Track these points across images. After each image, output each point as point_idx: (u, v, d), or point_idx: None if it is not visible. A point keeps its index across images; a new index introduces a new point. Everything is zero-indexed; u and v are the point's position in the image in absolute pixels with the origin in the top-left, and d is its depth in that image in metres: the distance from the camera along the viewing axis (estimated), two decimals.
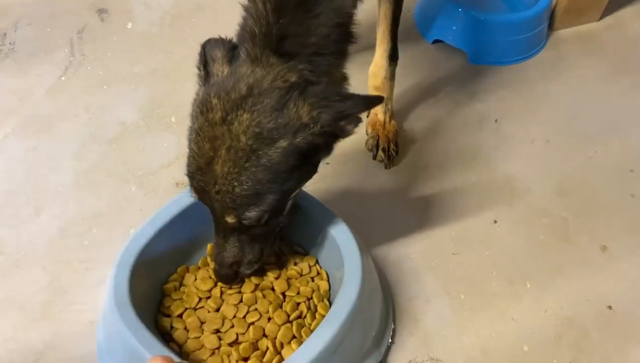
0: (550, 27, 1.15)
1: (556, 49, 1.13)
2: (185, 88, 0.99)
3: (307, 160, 0.59)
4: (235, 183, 0.56)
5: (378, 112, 0.91)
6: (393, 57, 0.87)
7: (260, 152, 0.55)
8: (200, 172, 0.58)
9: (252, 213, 0.58)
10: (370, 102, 0.59)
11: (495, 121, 0.99)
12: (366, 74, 0.90)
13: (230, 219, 0.60)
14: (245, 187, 0.56)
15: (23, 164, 0.92)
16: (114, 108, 1.00)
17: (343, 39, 0.62)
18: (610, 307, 0.78)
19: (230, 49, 0.60)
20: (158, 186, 0.89)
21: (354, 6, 0.64)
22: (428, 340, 0.74)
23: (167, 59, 1.08)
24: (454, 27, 1.08)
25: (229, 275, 0.66)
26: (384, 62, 0.86)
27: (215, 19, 1.16)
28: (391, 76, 0.89)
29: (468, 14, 1.05)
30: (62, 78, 1.04)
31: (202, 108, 0.58)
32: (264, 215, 0.60)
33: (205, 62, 0.61)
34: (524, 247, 0.83)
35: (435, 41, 1.11)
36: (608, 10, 1.18)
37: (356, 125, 0.58)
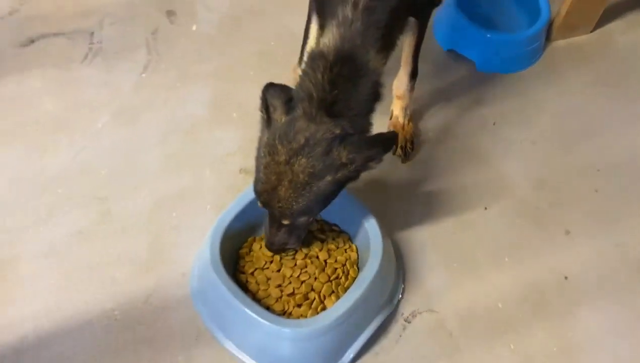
0: (548, 38, 1.36)
1: (551, 59, 1.35)
2: (242, 88, 1.26)
3: (341, 188, 0.83)
4: (294, 203, 0.81)
5: (399, 115, 1.15)
6: (413, 76, 1.09)
7: (313, 185, 0.80)
8: (266, 193, 0.82)
9: (302, 219, 0.85)
10: (389, 146, 0.82)
11: (494, 124, 1.23)
12: (391, 87, 1.14)
13: (285, 222, 0.85)
14: (301, 206, 0.81)
15: (120, 148, 1.17)
16: (186, 103, 1.24)
17: (374, 101, 0.84)
18: (566, 277, 1.04)
19: (287, 101, 0.81)
20: (225, 171, 1.14)
21: (382, 74, 0.85)
22: (427, 297, 1.01)
23: (226, 59, 1.32)
24: (465, 40, 1.29)
25: (278, 250, 0.93)
26: (406, 78, 1.09)
27: (265, 20, 1.38)
28: (411, 88, 1.12)
29: (478, 31, 1.26)
30: (143, 75, 1.28)
31: (269, 150, 0.81)
32: (309, 219, 0.86)
33: (267, 107, 0.82)
34: (505, 229, 1.09)
35: (449, 49, 1.33)
36: (599, 24, 1.38)
37: (378, 164, 0.81)
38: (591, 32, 1.38)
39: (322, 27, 0.86)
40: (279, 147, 0.80)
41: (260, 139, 0.84)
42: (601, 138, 1.22)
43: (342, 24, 0.80)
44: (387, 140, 0.82)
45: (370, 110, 0.84)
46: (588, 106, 1.26)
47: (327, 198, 0.83)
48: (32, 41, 1.33)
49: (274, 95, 0.82)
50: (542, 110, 1.25)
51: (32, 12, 1.38)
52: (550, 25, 1.34)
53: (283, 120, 0.81)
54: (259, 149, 0.84)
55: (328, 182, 0.80)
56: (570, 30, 1.35)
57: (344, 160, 0.79)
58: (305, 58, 0.84)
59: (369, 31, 0.80)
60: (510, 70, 1.31)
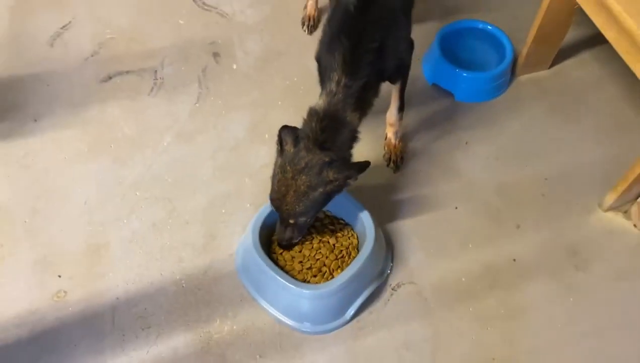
0: (514, 73, 1.70)
1: (516, 90, 1.68)
2: (272, 115, 1.62)
3: (329, 197, 1.17)
4: (297, 207, 1.15)
5: (391, 138, 1.50)
6: (401, 109, 1.44)
7: (309, 194, 1.13)
8: (278, 200, 1.16)
9: (302, 219, 1.19)
10: (362, 170, 1.15)
11: (466, 143, 1.57)
12: (382, 116, 1.49)
13: (291, 221, 1.19)
14: (302, 209, 1.15)
15: (181, 161, 1.54)
16: (230, 126, 1.61)
17: (352, 141, 1.19)
18: (514, 260, 1.38)
19: (295, 138, 1.15)
20: (260, 178, 1.50)
21: (360, 122, 1.20)
22: (409, 273, 1.36)
23: (260, 91, 1.68)
24: (446, 77, 1.63)
25: (287, 245, 1.27)
26: (395, 111, 1.44)
27: (289, 61, 1.73)
28: (399, 118, 1.46)
29: (455, 70, 1.60)
30: (197, 105, 1.65)
31: (281, 170, 1.14)
32: (307, 220, 1.21)
33: (281, 142, 1.16)
34: (470, 223, 1.43)
35: (434, 83, 1.68)
36: (555, 62, 1.72)
37: (354, 181, 1.15)
38: (549, 68, 1.71)
39: (321, 87, 1.21)
40: (288, 168, 1.14)
41: (275, 163, 1.19)
42: (551, 154, 1.55)
43: (329, 94, 1.16)
44: (361, 166, 1.15)
45: (349, 147, 1.19)
46: (543, 129, 1.59)
47: (319, 205, 1.18)
48: (110, 77, 1.72)
49: (287, 134, 1.16)
50: (505, 132, 1.59)
51: (109, 55, 1.76)
52: (514, 63, 1.68)
53: (292, 150, 1.15)
54: (274, 169, 1.19)
55: (320, 192, 1.15)
56: (531, 67, 1.68)
57: (331, 177, 1.13)
58: (306, 112, 1.19)
59: (346, 100, 1.15)
60: (482, 100, 1.64)
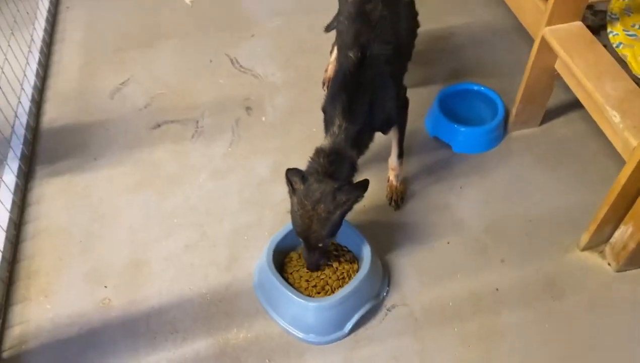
0: (506, 129, 1.93)
1: (508, 144, 1.90)
2: (293, 158, 1.88)
3: (344, 216, 1.38)
4: (322, 232, 1.35)
5: (393, 180, 1.73)
6: (400, 156, 1.68)
7: (330, 218, 1.34)
8: (305, 231, 1.36)
9: (327, 240, 1.40)
10: (365, 188, 1.35)
11: (460, 187, 1.79)
12: (386, 162, 1.73)
13: (320, 245, 1.40)
14: (326, 232, 1.35)
15: (213, 195, 1.81)
16: (256, 168, 1.88)
17: (353, 171, 1.43)
18: (497, 289, 1.56)
19: (302, 177, 1.35)
20: (279, 211, 1.75)
21: (358, 158, 1.45)
22: (403, 296, 1.55)
23: (283, 140, 1.95)
24: (445, 130, 1.88)
25: (316, 268, 1.48)
26: (395, 157, 1.68)
27: (309, 115, 2.01)
28: (400, 163, 1.70)
29: (453, 125, 1.85)
30: (229, 149, 1.94)
31: (300, 205, 1.35)
32: (330, 240, 1.42)
33: (290, 182, 1.38)
34: (460, 256, 1.62)
35: (434, 136, 1.92)
36: (545, 120, 1.94)
37: (360, 201, 1.37)
38: (539, 126, 1.94)
39: (326, 133, 1.46)
40: (305, 202, 1.34)
41: (291, 202, 1.39)
42: (535, 199, 1.74)
43: (332, 135, 1.41)
44: (364, 185, 1.36)
45: (351, 175, 1.43)
46: (529, 177, 1.80)
47: (338, 225, 1.39)
48: (159, 125, 2.04)
49: (293, 174, 1.38)
50: (495, 179, 1.80)
51: (159, 106, 2.09)
52: (506, 120, 1.91)
53: (302, 187, 1.36)
54: (292, 208, 1.38)
55: (337, 214, 1.36)
56: (521, 124, 1.91)
57: (344, 199, 1.35)
58: (313, 152, 1.43)
59: (346, 140, 1.40)
60: (476, 151, 1.86)
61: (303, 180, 1.36)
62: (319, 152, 1.42)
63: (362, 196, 1.37)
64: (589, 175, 1.79)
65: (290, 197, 1.40)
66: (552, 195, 1.76)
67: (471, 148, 1.86)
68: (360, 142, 1.44)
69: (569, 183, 1.78)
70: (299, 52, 2.25)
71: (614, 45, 1.61)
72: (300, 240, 1.42)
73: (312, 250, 1.43)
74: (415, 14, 1.64)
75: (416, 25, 1.66)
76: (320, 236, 1.37)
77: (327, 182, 1.35)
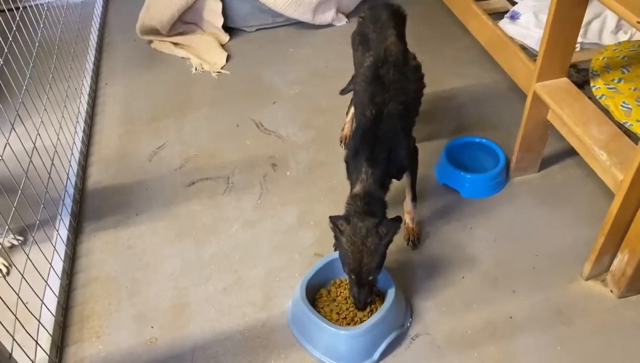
0: (508, 176, 2.13)
1: (510, 189, 2.10)
2: (316, 208, 2.07)
3: (387, 247, 1.55)
4: (372, 263, 1.50)
5: (409, 222, 1.91)
6: (414, 199, 1.87)
7: (378, 250, 1.50)
8: (357, 266, 1.51)
9: (376, 272, 1.55)
10: (400, 222, 1.54)
11: (470, 228, 1.97)
12: (400, 207, 1.93)
13: (370, 277, 1.54)
14: (376, 263, 1.51)
15: (245, 243, 1.98)
16: (284, 217, 2.07)
17: (385, 208, 1.62)
18: (511, 317, 1.70)
19: (345, 219, 1.50)
20: (307, 255, 1.92)
21: (385, 197, 1.65)
22: (425, 326, 1.69)
23: (307, 191, 2.15)
24: (453, 178, 2.08)
25: (364, 306, 1.56)
26: (409, 201, 1.88)
27: (330, 168, 2.23)
28: (414, 206, 1.89)
29: (460, 174, 2.05)
30: (259, 201, 2.14)
31: (351, 243, 1.50)
32: (378, 272, 1.58)
33: (336, 226, 1.55)
34: (474, 288, 1.78)
35: (444, 183, 2.12)
36: (543, 166, 2.15)
37: (399, 232, 1.54)
38: (538, 172, 2.14)
39: (353, 184, 1.66)
40: (355, 238, 1.47)
41: (339, 243, 1.51)
42: (539, 236, 1.92)
43: (362, 181, 1.61)
44: (399, 219, 1.54)
45: (384, 212, 1.62)
46: (532, 217, 1.98)
47: (384, 257, 1.51)
48: (193, 183, 2.25)
49: (337, 219, 1.55)
50: (502, 220, 1.99)
51: (193, 166, 2.31)
52: (508, 167, 2.12)
53: (348, 228, 1.53)
54: (341, 247, 1.52)
55: (383, 246, 1.52)
56: (522, 171, 2.11)
57: (385, 232, 1.51)
58: (348, 198, 1.63)
59: (375, 183, 1.60)
60: (482, 196, 2.06)
61: (347, 221, 1.54)
62: (354, 196, 1.62)
63: (400, 227, 1.54)
64: (586, 213, 1.97)
65: (338, 239, 1.56)
66: (554, 232, 1.93)
67: (477, 193, 2.06)
68: (384, 183, 1.64)
69: (569, 221, 1.96)
70: (317, 114, 2.50)
71: (597, 97, 1.84)
72: (350, 276, 1.56)
73: (362, 286, 1.54)
74: (422, 76, 1.89)
75: (422, 86, 1.90)
76: (371, 268, 1.50)
77: (368, 219, 1.53)
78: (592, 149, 1.62)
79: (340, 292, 1.73)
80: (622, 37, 2.24)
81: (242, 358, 1.66)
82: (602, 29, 2.25)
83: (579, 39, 2.21)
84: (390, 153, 1.64)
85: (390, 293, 1.63)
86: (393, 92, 1.68)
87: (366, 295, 1.58)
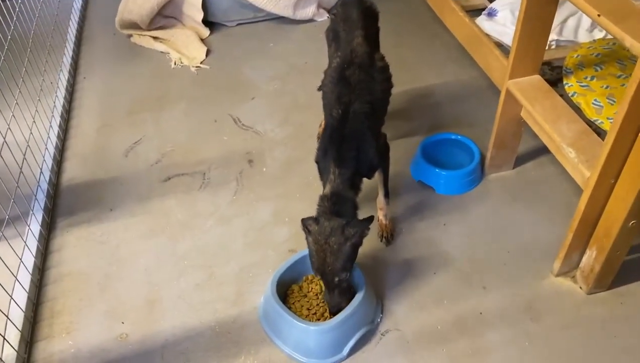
0: (483, 173, 2.14)
1: (485, 185, 2.11)
2: (291, 204, 2.07)
3: (355, 250, 1.54)
4: (337, 264, 1.50)
5: (382, 219, 1.91)
6: (386, 196, 1.87)
7: (342, 250, 1.50)
8: (321, 266, 1.51)
9: (343, 275, 1.53)
10: (371, 221, 1.54)
11: (444, 224, 1.98)
12: (374, 203, 1.93)
13: (336, 279, 1.53)
14: (340, 264, 1.50)
15: (220, 239, 1.97)
16: (259, 213, 2.06)
17: (355, 209, 1.62)
18: (481, 313, 1.72)
19: (315, 220, 1.51)
20: (280, 251, 1.92)
21: (356, 197, 1.65)
22: (395, 322, 1.70)
23: (282, 188, 2.15)
24: (428, 175, 2.09)
25: (337, 310, 1.55)
26: (382, 198, 1.88)
27: (306, 165, 2.22)
28: (387, 203, 1.90)
29: (435, 170, 2.06)
30: (234, 197, 2.14)
31: (315, 242, 1.50)
32: (347, 275, 1.56)
33: (306, 227, 1.54)
34: (445, 285, 1.79)
35: (419, 180, 2.13)
36: (518, 163, 2.16)
37: (368, 232, 1.54)
38: (513, 169, 2.15)
39: (324, 185, 1.66)
40: (319, 238, 1.48)
41: (307, 243, 1.52)
42: (512, 233, 1.93)
43: (330, 181, 1.61)
44: (368, 220, 1.53)
45: (355, 213, 1.62)
46: (506, 214, 1.99)
47: (351, 258, 1.50)
48: (169, 178, 2.24)
49: (307, 220, 1.55)
50: (475, 216, 1.99)
51: (169, 162, 2.30)
52: (483, 164, 2.13)
53: (316, 228, 1.53)
54: (309, 247, 1.51)
55: (348, 247, 1.50)
56: (496, 168, 2.12)
57: (352, 233, 1.51)
58: (319, 199, 1.62)
59: (343, 184, 1.60)
60: (457, 193, 2.07)
61: (316, 222, 1.54)
62: (322, 198, 1.62)
63: (369, 228, 1.54)
64: (559, 210, 1.99)
65: (307, 239, 1.56)
66: (527, 229, 1.95)
67: (452, 190, 2.07)
68: (354, 184, 1.64)
69: (541, 218, 1.97)
70: (295, 110, 2.50)
71: (570, 95, 1.85)
72: (314, 279, 1.59)
73: (331, 290, 1.56)
74: (389, 76, 1.87)
75: (390, 86, 1.88)
76: (334, 269, 1.49)
77: (335, 219, 1.53)
78: (561, 146, 1.63)
79: (312, 288, 1.73)
80: (598, 34, 2.26)
81: (212, 355, 1.66)
82: (577, 26, 2.26)
83: (555, 37, 2.22)
84: (358, 152, 1.64)
85: (361, 289, 1.64)
86: (359, 92, 1.68)
87: (337, 300, 1.57)
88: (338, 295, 1.57)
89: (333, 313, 1.60)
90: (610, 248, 1.57)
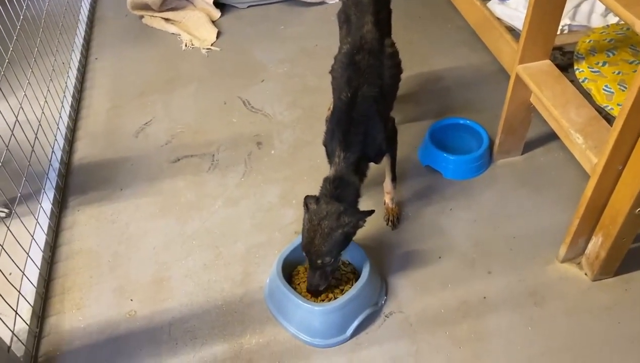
0: (491, 158, 2.14)
1: (493, 171, 2.10)
2: (298, 187, 2.08)
3: (347, 239, 1.56)
4: (322, 247, 1.52)
5: (389, 203, 1.93)
6: (393, 180, 1.88)
7: (332, 235, 1.51)
8: (308, 244, 1.54)
9: (327, 259, 1.55)
10: (368, 215, 1.55)
11: (450, 209, 1.98)
12: (382, 186, 1.94)
13: (319, 261, 1.56)
14: (326, 248, 1.52)
15: (227, 220, 2.01)
16: (266, 195, 2.08)
17: (357, 196, 1.63)
18: (485, 297, 1.73)
19: (316, 200, 1.53)
20: (287, 232, 1.94)
21: (361, 185, 1.65)
22: (399, 304, 1.72)
23: (290, 170, 2.17)
24: (436, 159, 2.09)
25: (315, 291, 1.58)
26: (389, 181, 1.89)
27: (314, 148, 2.24)
28: (394, 187, 1.90)
29: (443, 155, 2.06)
30: (242, 179, 2.16)
31: (309, 220, 1.53)
32: (331, 260, 1.58)
33: (306, 204, 1.56)
34: (451, 269, 1.80)
35: (426, 165, 2.13)
36: (527, 149, 2.15)
37: (363, 224, 1.56)
38: (521, 155, 2.14)
39: (330, 165, 1.67)
40: (314, 217, 1.51)
41: (304, 219, 1.57)
42: (518, 218, 1.92)
43: (335, 164, 1.61)
44: (367, 212, 1.55)
45: (356, 202, 1.63)
46: (513, 199, 1.98)
47: (339, 245, 1.50)
48: (178, 159, 2.26)
49: (310, 199, 1.57)
50: (482, 202, 2.00)
51: (179, 143, 2.32)
52: (491, 150, 2.12)
53: (315, 207, 1.55)
54: (303, 223, 1.57)
55: (339, 234, 1.53)
56: (505, 153, 2.12)
57: (347, 221, 1.53)
58: (322, 181, 1.63)
59: (348, 167, 1.60)
60: (464, 178, 2.07)
61: (316, 202, 1.56)
62: (325, 180, 1.63)
63: (364, 221, 1.54)
64: (566, 196, 1.98)
65: (304, 216, 1.58)
66: (533, 215, 1.94)
67: (460, 174, 2.07)
68: (359, 169, 1.64)
69: (549, 204, 1.97)
70: (304, 93, 2.50)
71: (580, 80, 1.83)
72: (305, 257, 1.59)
73: (313, 270, 1.58)
74: (398, 62, 1.86)
75: (399, 71, 1.87)
76: (320, 251, 1.51)
77: (334, 203, 1.54)
78: (569, 132, 1.62)
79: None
80: (612, 20, 2.22)
81: (218, 332, 1.69)
82: (591, 11, 2.23)
83: (567, 21, 2.20)
84: (365, 136, 1.64)
85: (365, 271, 1.65)
86: (368, 76, 1.68)
87: (317, 281, 1.58)
88: (318, 276, 1.58)
89: (310, 292, 1.62)
90: (617, 235, 1.56)
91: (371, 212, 1.56)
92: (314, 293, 1.64)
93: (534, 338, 1.62)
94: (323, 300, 1.67)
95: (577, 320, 1.65)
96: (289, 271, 1.75)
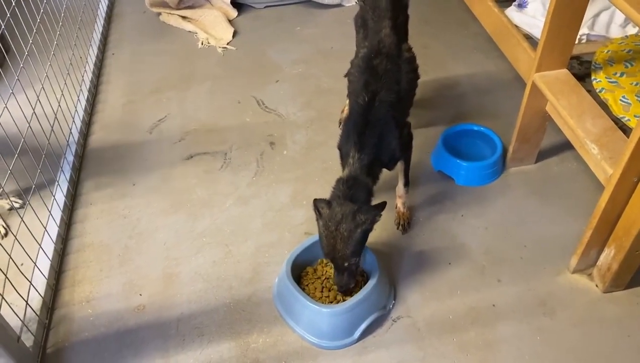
0: (504, 166, 2.12)
1: (506, 179, 2.09)
2: (310, 188, 2.08)
3: (366, 236, 1.55)
4: (346, 250, 1.51)
5: (400, 207, 1.92)
6: (406, 184, 1.88)
7: (352, 236, 1.51)
8: (331, 252, 1.53)
9: (353, 260, 1.55)
10: (382, 209, 1.54)
11: (462, 216, 1.97)
12: (394, 191, 1.94)
13: (345, 264, 1.56)
14: (350, 250, 1.51)
15: (238, 218, 2.02)
16: (277, 195, 2.09)
17: (370, 196, 1.62)
18: (494, 305, 1.72)
19: (327, 203, 1.51)
20: (297, 233, 1.94)
21: (373, 185, 1.65)
22: (407, 309, 1.71)
23: (302, 170, 2.17)
24: (448, 165, 2.08)
25: (346, 291, 1.59)
26: (402, 186, 1.88)
27: (326, 149, 2.24)
28: (406, 191, 1.90)
29: (455, 161, 2.05)
30: (254, 178, 2.16)
31: (325, 227, 1.51)
32: (357, 260, 1.58)
33: (317, 209, 1.55)
34: (460, 276, 1.79)
35: (439, 170, 2.12)
36: (540, 158, 2.14)
37: (379, 219, 1.56)
38: (535, 163, 2.13)
39: (343, 169, 1.67)
40: (329, 223, 1.48)
41: (318, 226, 1.52)
42: (530, 227, 1.91)
43: (349, 165, 1.61)
44: (381, 207, 1.54)
45: (369, 199, 1.62)
46: (525, 207, 1.97)
47: (360, 244, 1.50)
48: (191, 156, 2.27)
49: (320, 202, 1.56)
50: (494, 209, 1.99)
51: (192, 140, 2.33)
52: (504, 157, 2.11)
53: (327, 212, 1.54)
54: (319, 232, 1.52)
55: (358, 233, 1.52)
56: (518, 161, 2.10)
57: (363, 219, 1.52)
58: (335, 182, 1.63)
59: (361, 169, 1.60)
60: (477, 184, 2.06)
61: (328, 205, 1.55)
62: (339, 181, 1.63)
63: (380, 215, 1.54)
64: (579, 207, 1.96)
65: (317, 222, 1.56)
66: (545, 224, 1.93)
67: (472, 181, 2.06)
68: (372, 171, 1.64)
69: (561, 213, 1.96)
70: (318, 94, 2.51)
71: (597, 91, 1.82)
72: (329, 262, 1.59)
73: (341, 272, 1.55)
74: (416, 67, 1.86)
75: (416, 77, 1.87)
76: (344, 255, 1.50)
77: (347, 204, 1.54)
78: (584, 142, 1.61)
79: (326, 271, 1.75)
80: (631, 30, 2.21)
81: (226, 330, 1.69)
82: (610, 21, 2.21)
83: (586, 31, 2.18)
84: (380, 140, 1.64)
85: (374, 275, 1.65)
86: (385, 81, 1.68)
87: (346, 281, 1.58)
88: (347, 277, 1.58)
89: (342, 292, 1.63)
90: (630, 248, 1.55)
91: (384, 204, 1.55)
92: (346, 292, 1.63)
93: (542, 348, 1.61)
94: (332, 302, 1.67)
95: (587, 332, 1.64)
96: (297, 272, 1.76)
